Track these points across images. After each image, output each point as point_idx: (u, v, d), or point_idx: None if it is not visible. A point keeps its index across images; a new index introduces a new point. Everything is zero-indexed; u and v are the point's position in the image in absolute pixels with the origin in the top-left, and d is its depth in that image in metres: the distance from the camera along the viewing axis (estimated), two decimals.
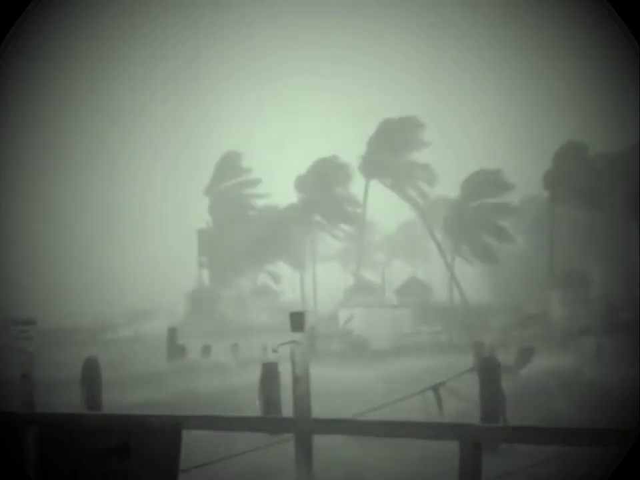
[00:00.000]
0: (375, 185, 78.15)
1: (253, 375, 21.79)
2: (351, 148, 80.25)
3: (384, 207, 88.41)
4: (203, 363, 44.50)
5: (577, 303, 59.02)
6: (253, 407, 20.10)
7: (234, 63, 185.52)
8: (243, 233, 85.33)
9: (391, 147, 77.07)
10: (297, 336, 9.38)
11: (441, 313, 63.26)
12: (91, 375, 24.14)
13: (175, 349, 49.19)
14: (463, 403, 19.15)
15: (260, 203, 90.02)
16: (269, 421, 11.64)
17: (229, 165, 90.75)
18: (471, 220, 74.24)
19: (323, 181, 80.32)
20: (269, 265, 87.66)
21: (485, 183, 74.15)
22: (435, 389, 19.79)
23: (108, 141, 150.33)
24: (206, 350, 49.06)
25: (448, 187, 77.58)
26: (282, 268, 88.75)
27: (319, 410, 9.35)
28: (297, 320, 9.47)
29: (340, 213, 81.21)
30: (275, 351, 11.83)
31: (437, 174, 77.33)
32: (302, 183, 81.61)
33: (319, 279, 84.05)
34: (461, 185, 75.65)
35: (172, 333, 50.66)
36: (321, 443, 9.17)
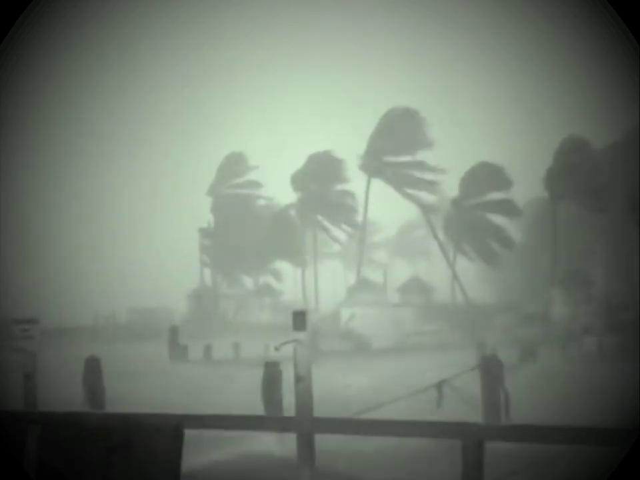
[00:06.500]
0: (376, 183, 77.99)
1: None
2: (353, 147, 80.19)
3: (385, 206, 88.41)
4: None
5: (579, 302, 58.95)
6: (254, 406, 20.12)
7: (237, 64, 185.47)
8: (245, 233, 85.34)
9: (394, 145, 76.80)
10: (299, 335, 9.38)
11: (442, 312, 63.24)
12: (92, 374, 24.16)
13: (176, 348, 49.19)
14: (463, 403, 19.14)
15: (261, 202, 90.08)
16: (270, 420, 11.65)
17: (232, 165, 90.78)
18: (471, 217, 74.16)
19: (321, 178, 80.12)
20: (270, 264, 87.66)
21: (485, 178, 73.91)
22: (438, 386, 19.79)
23: (111, 141, 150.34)
24: (207, 349, 49.10)
25: (448, 185, 77.50)
26: (283, 267, 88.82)
27: (321, 409, 9.35)
28: (299, 319, 9.47)
29: (340, 212, 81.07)
30: (277, 349, 11.81)
31: (440, 172, 77.06)
32: (297, 180, 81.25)
33: (321, 278, 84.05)
34: (460, 180, 75.45)
35: (174, 332, 50.62)
36: (323, 442, 9.18)
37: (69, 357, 34.89)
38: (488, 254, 75.66)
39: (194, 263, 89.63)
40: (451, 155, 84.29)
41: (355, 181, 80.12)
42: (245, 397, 23.91)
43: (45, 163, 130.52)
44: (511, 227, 77.48)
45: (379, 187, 78.41)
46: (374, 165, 76.88)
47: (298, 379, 9.19)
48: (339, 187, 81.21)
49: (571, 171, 69.67)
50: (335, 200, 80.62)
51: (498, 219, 75.23)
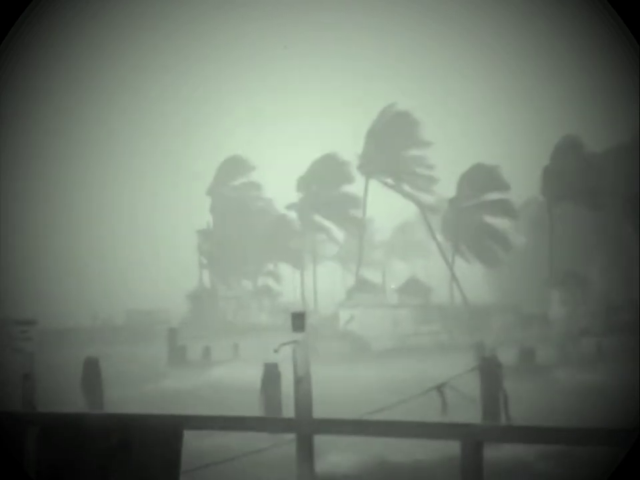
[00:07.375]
0: (374, 184, 77.91)
1: None
2: (351, 147, 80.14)
3: (384, 207, 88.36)
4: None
5: (577, 303, 58.94)
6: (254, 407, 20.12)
7: (236, 64, 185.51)
8: (244, 233, 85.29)
9: (390, 145, 76.69)
10: (298, 336, 9.38)
11: (441, 312, 63.19)
12: (91, 375, 24.16)
13: (175, 350, 49.17)
14: (466, 402, 19.13)
15: (261, 203, 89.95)
16: (270, 421, 11.63)
17: (231, 166, 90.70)
18: (469, 218, 74.07)
19: (322, 180, 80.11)
20: (269, 265, 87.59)
21: (482, 179, 73.79)
22: (439, 389, 19.73)
23: (111, 142, 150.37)
24: (206, 350, 49.09)
25: (447, 186, 77.40)
26: (282, 268, 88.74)
27: (321, 410, 9.35)
28: (298, 320, 9.47)
29: (340, 213, 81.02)
30: (275, 351, 11.82)
31: (437, 172, 76.91)
32: (302, 183, 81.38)
33: (320, 279, 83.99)
34: (458, 181, 75.34)
35: (172, 333, 50.61)
36: (323, 443, 9.17)
37: (68, 357, 34.89)
38: (486, 255, 75.58)
39: (193, 264, 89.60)
40: (449, 156, 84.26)
41: (356, 182, 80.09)
42: (243, 397, 23.91)
43: (44, 163, 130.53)
44: (510, 228, 77.40)
45: (378, 187, 78.36)
46: (370, 165, 76.81)
47: (297, 380, 9.19)
48: (341, 187, 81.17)
49: (568, 171, 69.62)
50: (336, 202, 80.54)
51: (496, 220, 75.13)
